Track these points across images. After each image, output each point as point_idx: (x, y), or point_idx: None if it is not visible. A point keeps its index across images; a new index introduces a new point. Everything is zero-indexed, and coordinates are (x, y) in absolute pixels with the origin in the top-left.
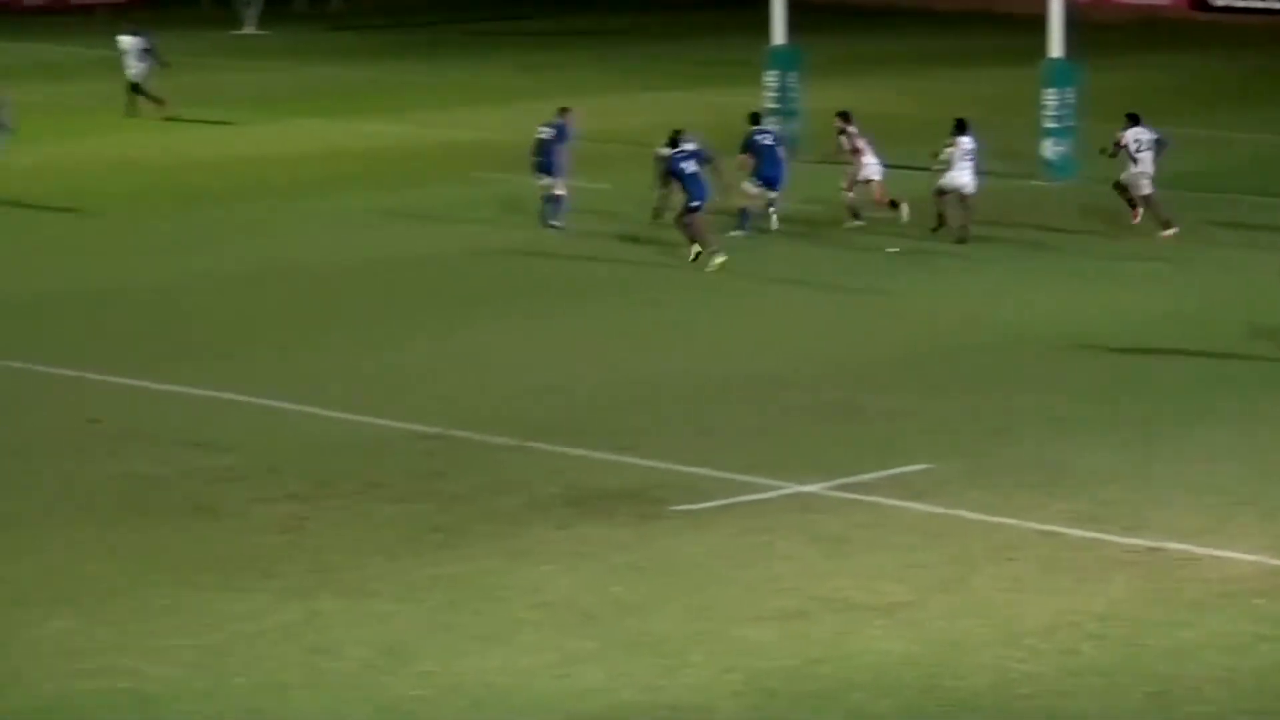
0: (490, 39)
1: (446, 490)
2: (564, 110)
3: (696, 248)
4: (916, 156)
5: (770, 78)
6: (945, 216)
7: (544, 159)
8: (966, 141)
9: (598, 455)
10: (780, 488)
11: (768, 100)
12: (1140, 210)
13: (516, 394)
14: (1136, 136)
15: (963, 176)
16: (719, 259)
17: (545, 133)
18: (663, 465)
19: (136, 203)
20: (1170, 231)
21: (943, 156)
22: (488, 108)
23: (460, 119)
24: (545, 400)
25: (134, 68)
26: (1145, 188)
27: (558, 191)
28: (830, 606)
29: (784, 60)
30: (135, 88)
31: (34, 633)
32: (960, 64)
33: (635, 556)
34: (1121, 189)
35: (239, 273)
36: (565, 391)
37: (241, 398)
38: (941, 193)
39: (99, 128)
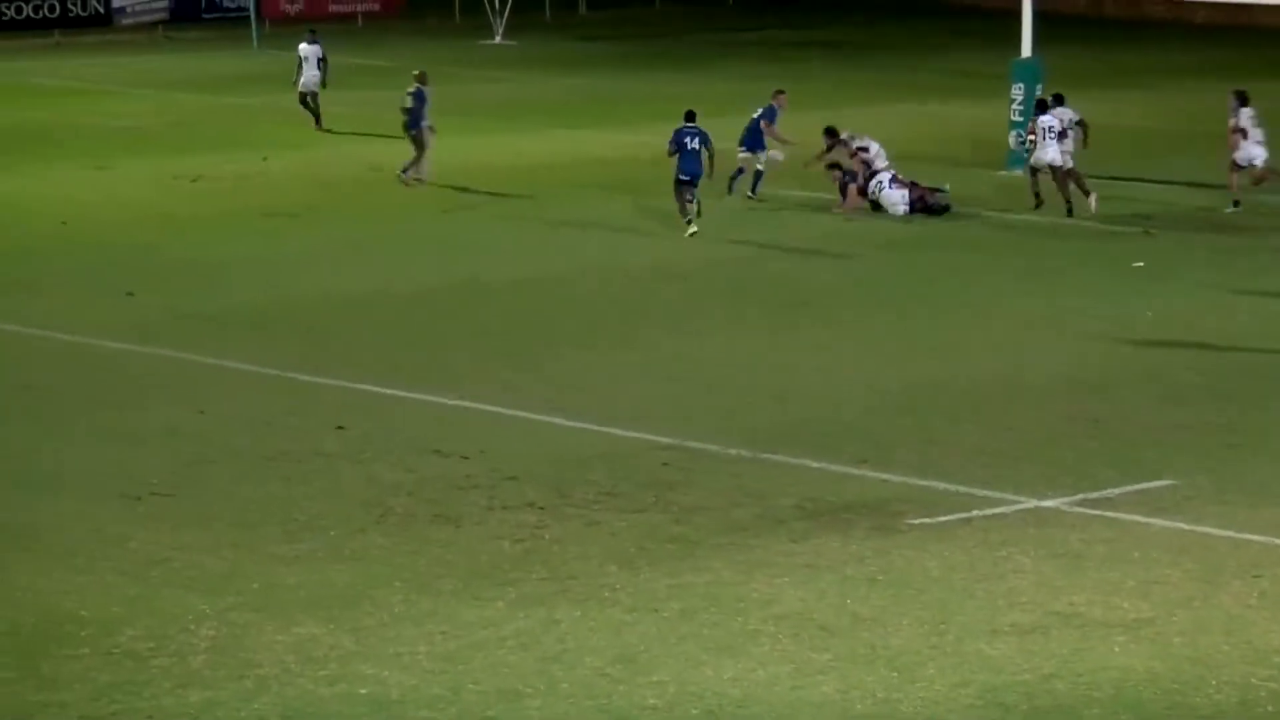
0: (735, 49)
1: (682, 501)
2: (778, 93)
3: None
4: (1161, 170)
5: (1016, 91)
6: (1041, 195)
7: (749, 135)
8: (1046, 119)
9: (834, 468)
10: (1018, 502)
11: (1013, 113)
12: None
13: (751, 404)
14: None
15: (1049, 153)
16: (692, 229)
17: (757, 112)
18: (899, 478)
19: (390, 210)
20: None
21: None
22: (730, 117)
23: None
24: (779, 411)
25: (309, 76)
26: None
27: (758, 167)
28: (1068, 622)
29: (1028, 73)
30: (310, 98)
31: (278, 638)
32: (1213, 77)
33: (871, 569)
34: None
35: (482, 282)
36: (799, 401)
37: (482, 406)
38: (1034, 171)
39: (350, 136)
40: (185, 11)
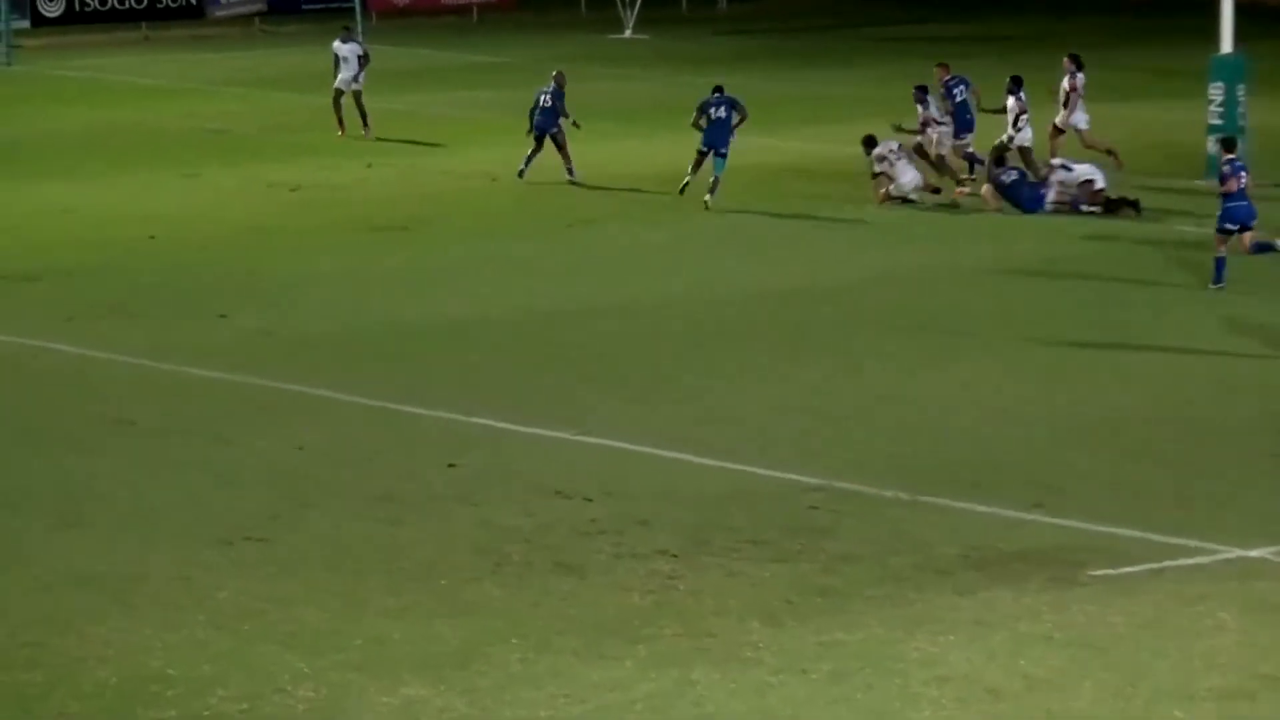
0: (894, 45)
1: (833, 549)
2: (941, 65)
3: (688, 179)
4: None
5: (1214, 91)
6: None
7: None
8: (1011, 102)
9: (1003, 512)
10: (1217, 551)
11: (1211, 115)
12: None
13: (908, 441)
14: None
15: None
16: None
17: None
18: (1078, 524)
19: (507, 224)
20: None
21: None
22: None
23: (841, 134)
24: (942, 449)
25: (350, 75)
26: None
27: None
28: (1277, 686)
29: (1229, 70)
30: (356, 99)
31: (382, 700)
32: None
33: (1047, 626)
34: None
35: (608, 304)
36: (962, 438)
37: (609, 442)
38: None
39: (464, 141)
40: (283, 3)
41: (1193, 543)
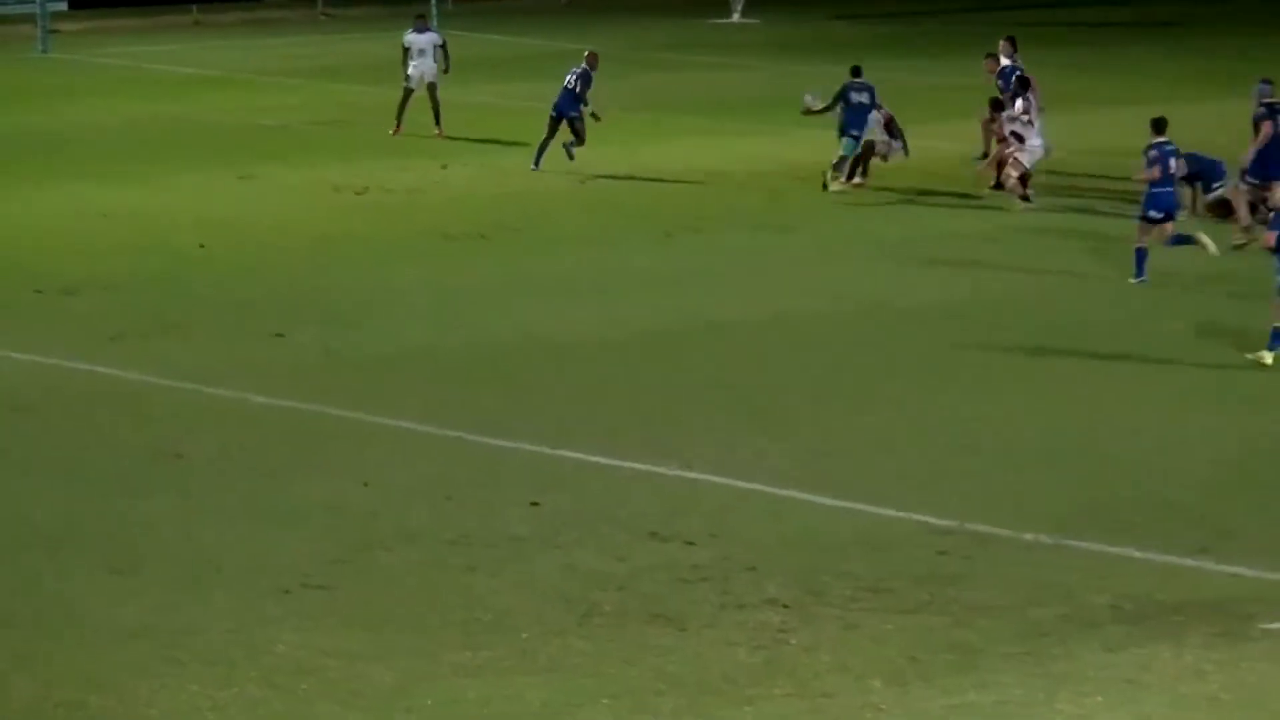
0: (1036, 30)
1: (965, 598)
2: (989, 55)
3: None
4: None
5: None
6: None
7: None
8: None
9: (1162, 558)
10: None
11: None
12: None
13: (1054, 478)
14: None
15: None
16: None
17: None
18: (1250, 571)
19: (597, 232)
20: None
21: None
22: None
23: (970, 131)
24: (1090, 486)
25: (424, 68)
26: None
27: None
28: None
29: None
30: (430, 92)
31: None
32: None
33: (1212, 687)
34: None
35: (714, 321)
36: (1115, 474)
37: (712, 478)
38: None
39: (541, 136)
40: None
41: None
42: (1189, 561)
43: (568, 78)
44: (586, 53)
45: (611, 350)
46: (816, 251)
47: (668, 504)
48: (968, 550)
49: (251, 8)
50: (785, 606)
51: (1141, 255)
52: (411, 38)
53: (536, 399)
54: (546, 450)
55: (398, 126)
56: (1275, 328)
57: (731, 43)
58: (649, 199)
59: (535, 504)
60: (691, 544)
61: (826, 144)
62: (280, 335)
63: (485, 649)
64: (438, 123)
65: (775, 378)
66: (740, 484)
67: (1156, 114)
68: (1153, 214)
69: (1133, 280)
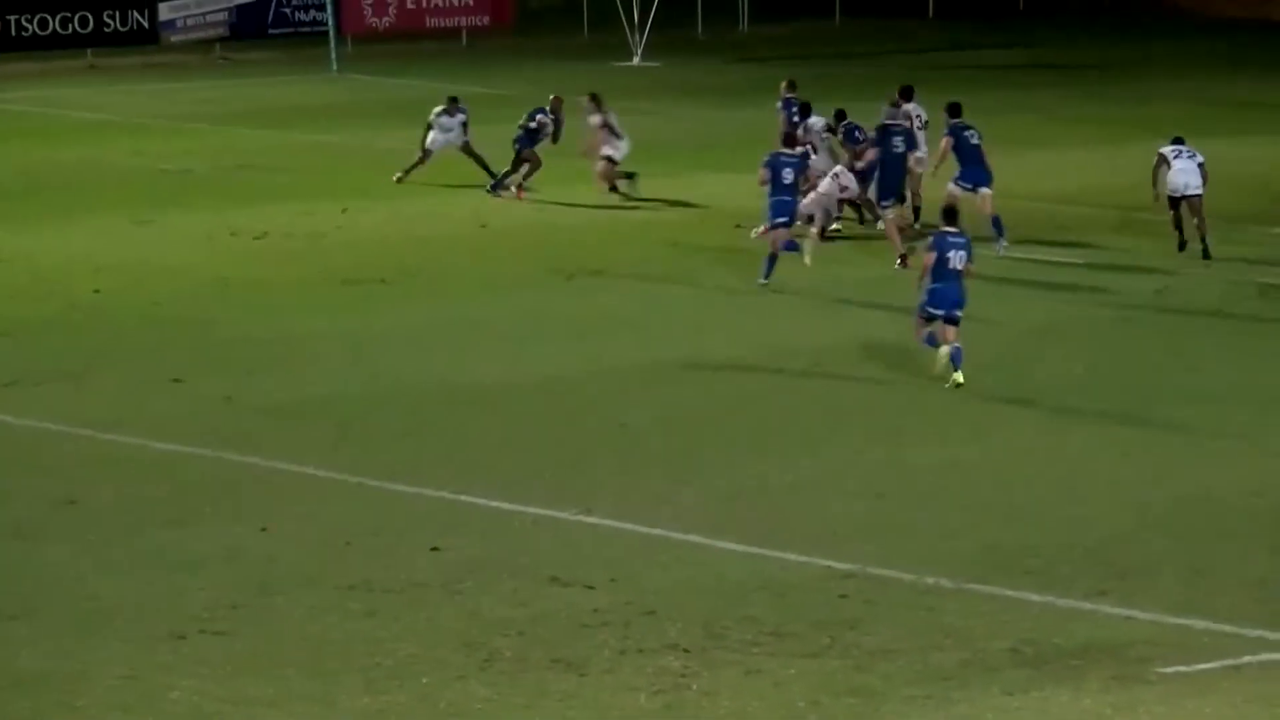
0: (940, 73)
1: (866, 643)
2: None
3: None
4: None
5: None
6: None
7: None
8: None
9: (1062, 602)
10: None
11: None
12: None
13: (964, 523)
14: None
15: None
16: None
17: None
18: (1147, 615)
19: (502, 276)
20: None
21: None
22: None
23: None
24: (990, 530)
25: (450, 138)
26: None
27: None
28: None
29: None
30: (466, 150)
31: None
32: None
33: None
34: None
35: (616, 367)
36: (1016, 519)
37: (615, 523)
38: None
39: (443, 180)
40: (248, 26)
41: (1275, 635)
42: (1087, 605)
43: (537, 116)
44: (553, 97)
45: (514, 395)
46: (721, 295)
47: (569, 549)
48: (869, 594)
49: (148, 51)
50: (686, 651)
51: (770, 262)
52: (442, 119)
53: (438, 444)
54: (448, 495)
55: (406, 174)
56: (954, 349)
57: (633, 86)
58: (551, 243)
59: (436, 549)
60: (592, 589)
61: (727, 188)
62: (178, 381)
63: (385, 694)
64: (491, 174)
65: (678, 422)
66: (642, 529)
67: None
68: (776, 220)
69: (760, 281)
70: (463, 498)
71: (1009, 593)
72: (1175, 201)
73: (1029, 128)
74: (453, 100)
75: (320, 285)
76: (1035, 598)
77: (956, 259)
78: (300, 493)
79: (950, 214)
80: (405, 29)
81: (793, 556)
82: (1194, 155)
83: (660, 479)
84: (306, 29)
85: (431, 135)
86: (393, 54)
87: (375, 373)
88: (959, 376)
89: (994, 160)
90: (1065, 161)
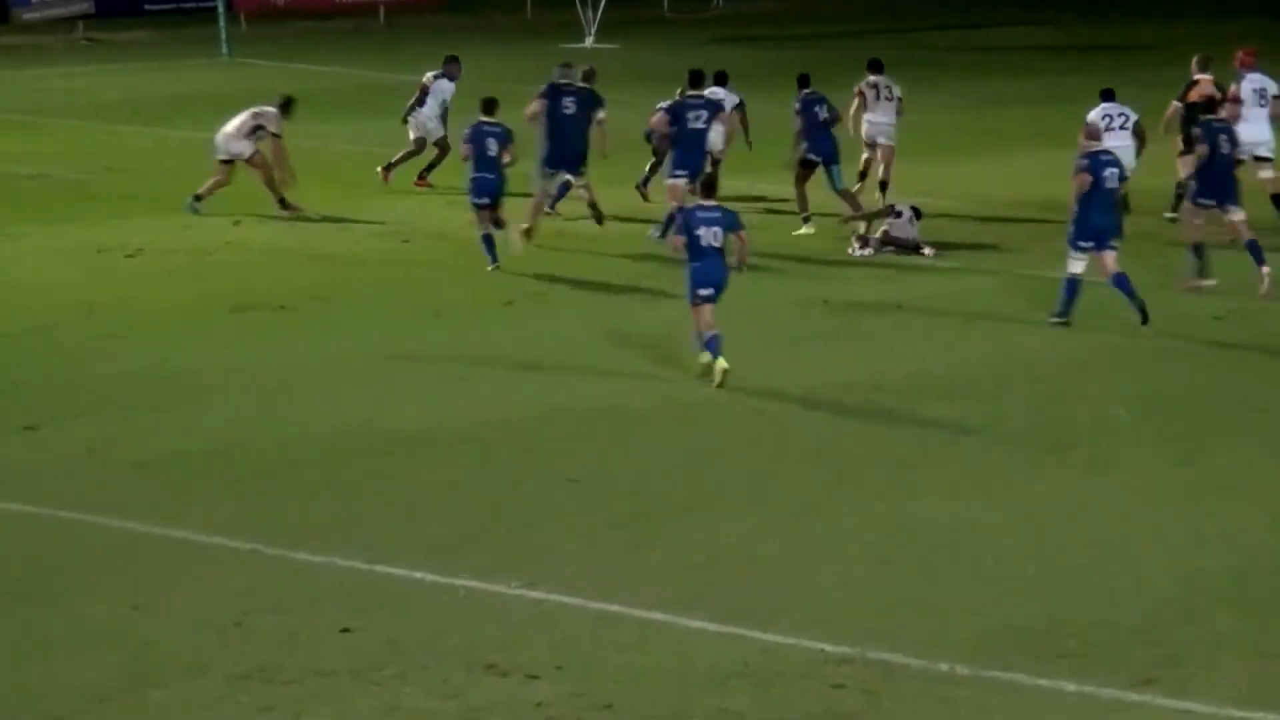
0: (944, 56)
1: None
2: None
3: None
4: None
5: None
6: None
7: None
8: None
9: (1104, 692)
10: None
11: None
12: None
13: (983, 596)
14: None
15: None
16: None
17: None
18: (1204, 708)
19: (426, 301)
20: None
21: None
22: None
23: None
24: (1026, 605)
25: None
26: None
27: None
28: None
29: None
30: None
31: None
32: None
33: None
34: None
35: (569, 407)
36: (1059, 592)
37: (560, 598)
38: None
39: (356, 187)
40: (118, 2)
41: None
42: (1134, 695)
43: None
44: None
45: (442, 444)
46: (687, 320)
47: (508, 630)
48: (870, 683)
49: None
50: None
51: (489, 241)
52: (441, 83)
53: (351, 504)
54: (361, 566)
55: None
56: (712, 335)
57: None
58: (483, 262)
59: (347, 630)
60: (535, 678)
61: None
62: (32, 429)
63: None
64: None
65: (637, 475)
66: (595, 605)
67: None
68: (476, 200)
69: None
70: (379, 568)
71: (1039, 681)
72: None
73: (1058, 122)
74: (453, 59)
75: (206, 312)
76: (1070, 687)
77: (710, 235)
78: (181, 563)
79: (708, 187)
80: (310, 5)
81: (775, 638)
82: (1126, 122)
83: (618, 544)
84: (190, 5)
85: (422, 117)
86: (295, 35)
87: (273, 417)
88: (723, 363)
89: (1011, 160)
90: None
